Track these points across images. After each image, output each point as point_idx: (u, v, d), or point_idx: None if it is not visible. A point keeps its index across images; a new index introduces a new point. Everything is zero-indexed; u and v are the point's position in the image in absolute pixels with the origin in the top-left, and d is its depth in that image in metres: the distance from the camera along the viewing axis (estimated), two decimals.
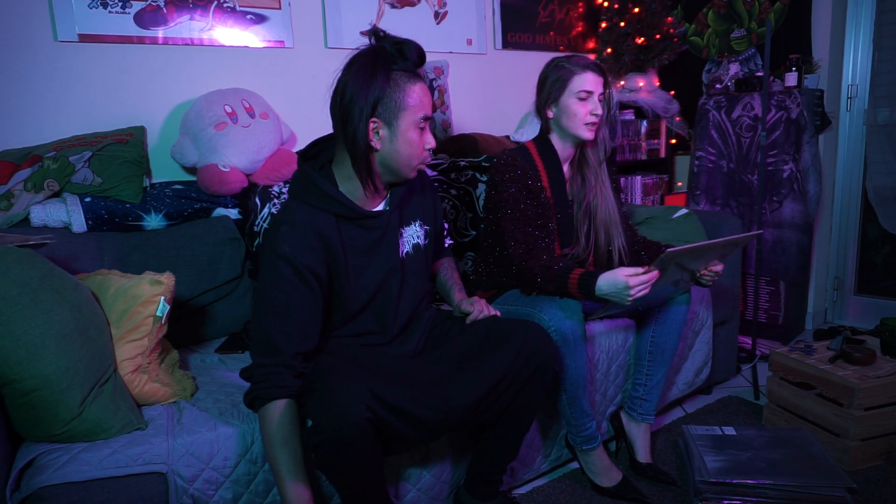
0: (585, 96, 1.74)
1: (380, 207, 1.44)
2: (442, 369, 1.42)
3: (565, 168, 1.86)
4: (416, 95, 1.31)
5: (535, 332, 1.43)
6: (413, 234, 1.51)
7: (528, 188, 1.75)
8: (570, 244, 1.85)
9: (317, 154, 1.44)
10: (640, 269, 1.50)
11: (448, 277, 1.69)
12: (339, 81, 1.31)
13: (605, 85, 1.78)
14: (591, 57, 3.20)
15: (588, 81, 1.74)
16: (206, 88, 2.09)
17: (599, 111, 1.76)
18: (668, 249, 1.47)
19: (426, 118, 1.34)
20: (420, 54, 1.34)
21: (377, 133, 1.32)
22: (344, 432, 1.16)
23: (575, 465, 1.85)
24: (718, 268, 1.72)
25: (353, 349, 1.43)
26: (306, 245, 1.29)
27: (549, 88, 1.78)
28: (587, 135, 1.77)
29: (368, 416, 1.17)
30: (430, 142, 1.38)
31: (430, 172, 2.31)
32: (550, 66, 1.80)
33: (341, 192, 1.36)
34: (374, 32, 1.33)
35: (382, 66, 1.29)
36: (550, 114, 1.80)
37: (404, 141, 1.32)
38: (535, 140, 1.87)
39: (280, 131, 2.13)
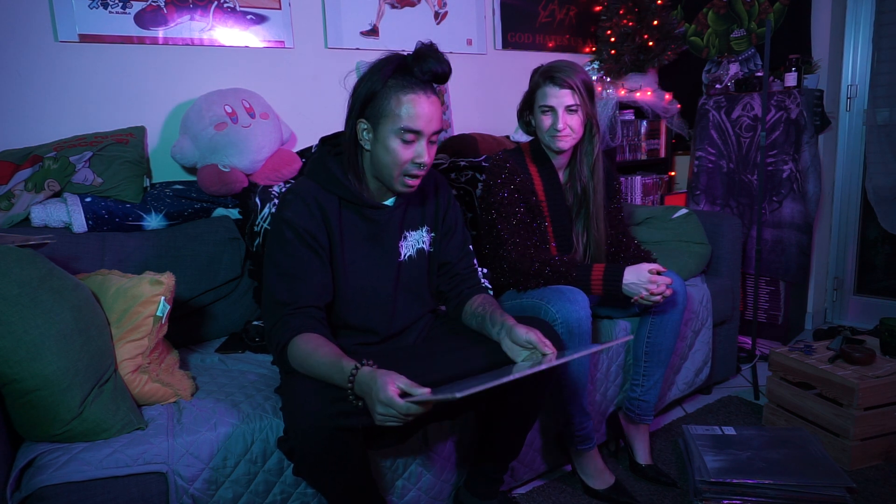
0: (546, 110, 1.72)
1: (387, 203, 1.43)
2: (434, 348, 1.41)
3: (561, 175, 1.85)
4: (405, 106, 1.27)
5: (543, 329, 1.41)
6: (418, 239, 1.48)
7: (519, 191, 1.75)
8: (567, 252, 1.84)
9: (339, 142, 1.44)
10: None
11: (492, 308, 1.43)
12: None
13: (581, 97, 1.69)
14: (588, 58, 3.24)
15: (548, 96, 1.70)
16: (206, 88, 2.09)
17: (560, 126, 1.69)
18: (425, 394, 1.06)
19: (409, 131, 1.28)
20: (434, 72, 1.30)
21: (366, 133, 1.33)
22: (312, 440, 1.14)
23: None
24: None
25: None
26: (307, 211, 1.33)
27: (526, 97, 1.79)
28: (554, 145, 1.74)
29: (338, 423, 1.15)
30: (421, 156, 1.30)
31: None
32: (532, 73, 1.79)
33: (349, 177, 1.37)
34: (422, 44, 1.31)
35: (386, 70, 1.29)
36: (531, 120, 1.80)
37: (383, 147, 1.30)
38: (530, 142, 1.87)
39: (280, 131, 2.13)
